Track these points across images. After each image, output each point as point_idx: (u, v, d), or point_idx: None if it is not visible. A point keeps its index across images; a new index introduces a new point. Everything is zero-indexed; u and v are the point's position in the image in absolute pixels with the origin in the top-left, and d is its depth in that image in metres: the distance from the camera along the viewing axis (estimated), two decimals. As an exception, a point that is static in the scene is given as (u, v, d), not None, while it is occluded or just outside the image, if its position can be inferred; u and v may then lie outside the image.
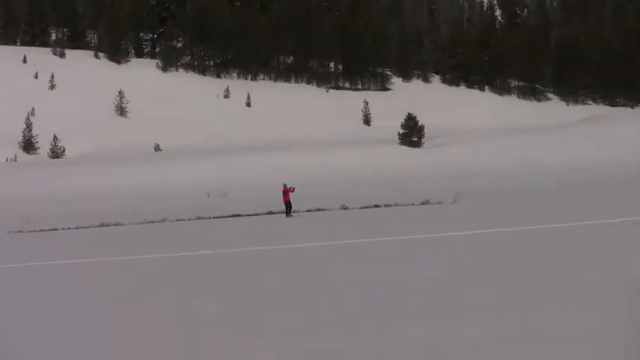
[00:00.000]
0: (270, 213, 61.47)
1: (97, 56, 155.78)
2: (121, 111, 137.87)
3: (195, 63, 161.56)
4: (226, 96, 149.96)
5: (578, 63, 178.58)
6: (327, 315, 19.50)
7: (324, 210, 61.10)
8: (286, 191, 58.51)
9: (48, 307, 24.08)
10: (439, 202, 60.21)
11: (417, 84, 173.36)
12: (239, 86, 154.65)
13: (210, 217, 59.82)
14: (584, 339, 15.25)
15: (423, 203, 61.48)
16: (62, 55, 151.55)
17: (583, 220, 38.28)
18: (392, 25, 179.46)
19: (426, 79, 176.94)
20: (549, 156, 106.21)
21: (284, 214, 58.08)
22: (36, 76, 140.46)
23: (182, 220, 59.80)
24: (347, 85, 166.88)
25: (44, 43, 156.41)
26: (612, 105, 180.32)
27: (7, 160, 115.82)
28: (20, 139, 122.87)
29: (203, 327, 19.33)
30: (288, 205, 58.17)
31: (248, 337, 17.72)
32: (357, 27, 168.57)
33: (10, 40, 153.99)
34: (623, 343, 15.64)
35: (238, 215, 61.01)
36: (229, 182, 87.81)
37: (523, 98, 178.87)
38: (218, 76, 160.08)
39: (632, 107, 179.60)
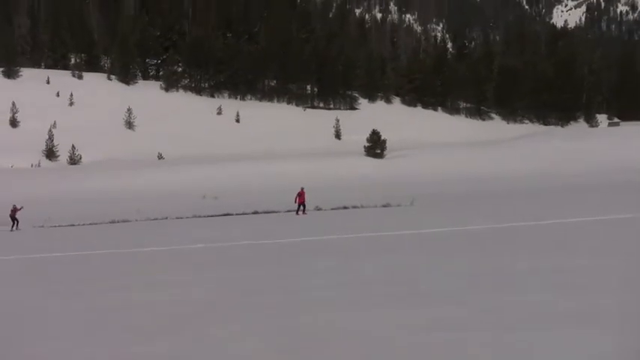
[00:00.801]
0: (256, 213, 62.12)
1: (109, 78, 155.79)
2: (129, 125, 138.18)
3: (193, 85, 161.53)
4: (219, 113, 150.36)
5: (516, 88, 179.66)
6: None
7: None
8: (302, 193, 58.97)
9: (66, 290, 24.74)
10: (398, 205, 61.05)
11: (380, 104, 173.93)
12: (230, 105, 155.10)
13: (205, 216, 60.52)
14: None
15: (384, 205, 62.30)
16: (80, 77, 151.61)
17: (506, 223, 39.36)
18: (360, 55, 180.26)
19: (388, 101, 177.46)
20: (489, 167, 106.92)
21: (273, 214, 59.04)
22: (57, 95, 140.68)
23: (181, 218, 60.44)
24: (321, 104, 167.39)
25: (65, 67, 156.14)
26: (545, 124, 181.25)
27: (31, 166, 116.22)
28: (43, 147, 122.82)
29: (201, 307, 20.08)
30: (302, 205, 59.11)
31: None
32: (331, 56, 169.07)
33: (35, 64, 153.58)
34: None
35: (229, 214, 61.69)
36: (221, 186, 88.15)
37: (470, 117, 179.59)
38: (212, 96, 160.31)
39: (562, 126, 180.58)
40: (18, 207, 57.96)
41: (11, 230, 56.05)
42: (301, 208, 58.45)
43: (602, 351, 12.26)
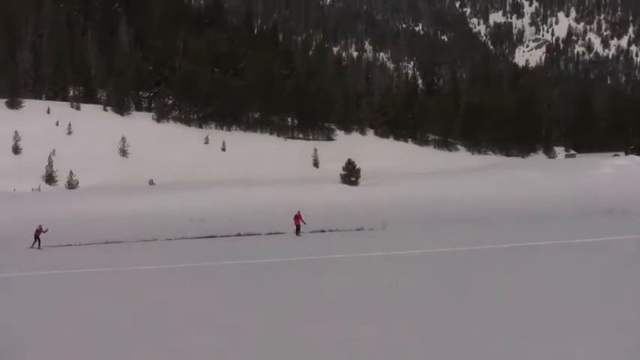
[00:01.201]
0: (239, 235, 62.65)
1: (105, 109, 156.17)
2: (123, 152, 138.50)
3: (182, 116, 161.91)
4: (206, 142, 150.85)
5: (481, 122, 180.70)
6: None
7: (282, 233, 62.33)
8: (298, 216, 60.66)
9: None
10: (371, 229, 61.73)
11: (355, 136, 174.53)
12: (216, 135, 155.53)
13: (191, 238, 61.00)
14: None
15: (358, 229, 63.00)
16: (78, 108, 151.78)
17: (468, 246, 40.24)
18: (337, 90, 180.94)
19: (362, 132, 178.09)
20: (455, 193, 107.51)
21: (255, 236, 59.83)
22: (57, 124, 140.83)
23: (169, 239, 60.88)
24: (300, 135, 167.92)
25: (64, 98, 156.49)
26: (507, 155, 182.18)
27: (32, 190, 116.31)
28: (43, 173, 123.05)
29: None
30: (298, 227, 60.46)
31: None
32: (310, 91, 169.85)
33: (37, 96, 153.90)
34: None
35: (213, 236, 62.23)
36: (207, 210, 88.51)
37: (438, 149, 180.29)
38: (200, 126, 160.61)
39: (522, 157, 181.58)
40: (43, 229, 58.15)
41: (31, 247, 56.55)
42: (298, 229, 60.51)
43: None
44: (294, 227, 60.43)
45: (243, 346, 18.49)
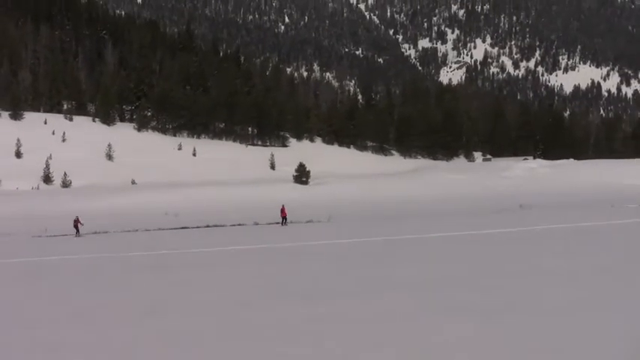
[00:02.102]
0: (207, 226, 63.23)
1: (94, 120, 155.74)
2: (109, 157, 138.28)
3: (159, 126, 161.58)
4: (179, 148, 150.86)
5: (411, 131, 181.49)
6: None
7: (243, 225, 62.94)
8: (283, 209, 61.96)
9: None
10: (319, 221, 62.44)
11: (306, 143, 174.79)
12: (188, 142, 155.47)
13: (167, 229, 61.61)
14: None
15: (308, 222, 63.69)
16: (71, 119, 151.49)
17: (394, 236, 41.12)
18: (290, 104, 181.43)
19: (312, 140, 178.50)
20: (389, 192, 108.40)
21: (221, 227, 60.55)
22: (53, 133, 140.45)
23: (148, 230, 61.48)
24: (259, 142, 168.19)
25: (59, 111, 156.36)
26: (434, 159, 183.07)
27: (32, 189, 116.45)
28: (42, 174, 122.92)
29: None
30: (284, 218, 61.29)
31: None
32: (267, 104, 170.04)
33: (36, 109, 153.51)
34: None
35: (185, 227, 62.90)
36: (180, 206, 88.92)
37: (375, 154, 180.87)
38: (174, 135, 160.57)
39: (447, 161, 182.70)
40: (81, 220, 60.07)
41: (76, 236, 57.86)
42: (284, 220, 61.35)
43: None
44: (281, 218, 61.46)
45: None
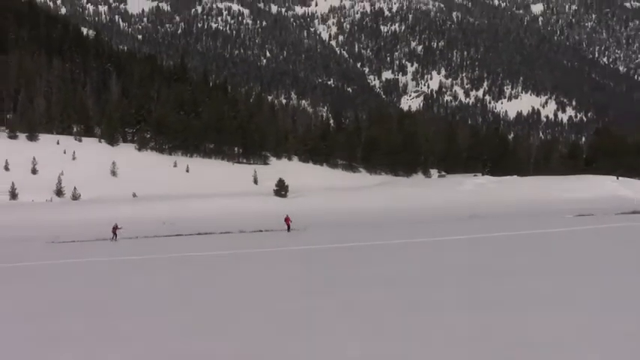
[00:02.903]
0: (199, 234, 63.53)
1: (100, 141, 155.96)
2: (114, 173, 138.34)
3: (157, 146, 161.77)
4: (175, 166, 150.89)
5: (376, 151, 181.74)
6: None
7: (229, 233, 63.25)
8: (287, 219, 62.41)
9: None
10: (297, 230, 62.71)
11: (284, 161, 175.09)
12: (182, 160, 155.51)
13: (163, 236, 61.96)
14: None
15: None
16: (80, 140, 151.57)
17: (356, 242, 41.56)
18: (270, 127, 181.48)
19: (289, 159, 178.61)
20: (357, 204, 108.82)
21: (211, 234, 60.86)
22: (64, 152, 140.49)
23: (147, 237, 61.87)
24: (244, 161, 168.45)
25: (69, 133, 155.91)
26: (396, 175, 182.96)
27: (45, 201, 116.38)
28: (54, 188, 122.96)
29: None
30: (289, 226, 61.66)
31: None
32: (251, 128, 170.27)
33: (49, 131, 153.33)
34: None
35: (180, 235, 63.28)
36: (176, 216, 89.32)
37: (345, 171, 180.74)
38: (170, 154, 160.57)
39: (407, 177, 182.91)
40: (119, 226, 62.01)
41: (113, 240, 59.86)
42: (289, 228, 61.76)
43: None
44: (286, 226, 61.88)
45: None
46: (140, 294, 22.57)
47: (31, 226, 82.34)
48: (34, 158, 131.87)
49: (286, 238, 51.68)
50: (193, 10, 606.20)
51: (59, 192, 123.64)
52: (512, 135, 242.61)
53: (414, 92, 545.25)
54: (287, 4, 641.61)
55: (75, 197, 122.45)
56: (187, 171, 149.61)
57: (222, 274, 27.78)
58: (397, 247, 37.17)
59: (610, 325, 13.50)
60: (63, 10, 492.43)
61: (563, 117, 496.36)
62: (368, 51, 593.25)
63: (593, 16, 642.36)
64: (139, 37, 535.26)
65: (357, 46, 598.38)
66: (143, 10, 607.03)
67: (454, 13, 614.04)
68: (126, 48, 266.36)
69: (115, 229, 61.24)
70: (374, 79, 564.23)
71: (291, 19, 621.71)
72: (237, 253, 38.93)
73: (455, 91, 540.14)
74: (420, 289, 19.41)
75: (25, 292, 24.83)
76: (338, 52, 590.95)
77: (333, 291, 20.10)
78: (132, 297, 21.98)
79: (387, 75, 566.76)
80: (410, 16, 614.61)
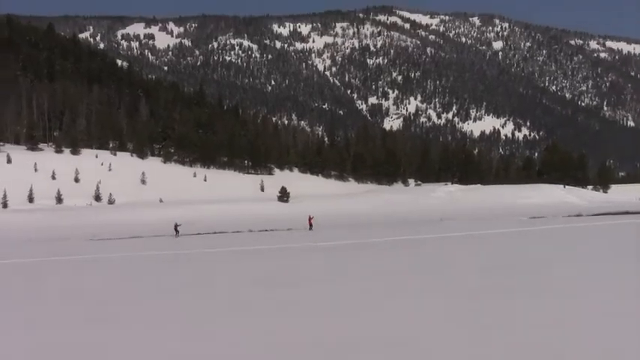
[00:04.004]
0: (214, 233, 63.42)
1: (131, 155, 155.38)
2: (143, 182, 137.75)
3: (180, 159, 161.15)
4: (194, 176, 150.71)
5: (363, 163, 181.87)
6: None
7: (240, 232, 63.09)
8: (310, 218, 62.21)
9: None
10: (297, 229, 62.69)
11: (286, 172, 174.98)
12: (200, 171, 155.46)
13: (185, 235, 61.84)
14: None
15: (288, 229, 63.94)
16: (115, 154, 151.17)
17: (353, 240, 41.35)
18: (274, 143, 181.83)
19: (291, 170, 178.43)
20: (346, 208, 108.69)
21: (224, 233, 60.71)
22: (102, 164, 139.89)
23: (170, 235, 61.62)
24: (252, 171, 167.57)
25: (106, 148, 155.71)
26: (379, 184, 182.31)
27: (86, 205, 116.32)
28: (93, 194, 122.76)
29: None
30: (311, 225, 61.10)
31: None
32: (258, 144, 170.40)
33: (89, 147, 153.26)
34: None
35: (199, 234, 63.12)
36: (195, 217, 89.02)
37: (337, 180, 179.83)
38: (190, 166, 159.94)
39: (389, 185, 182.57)
40: (178, 223, 62.38)
41: (175, 237, 58.83)
42: (311, 227, 61.07)
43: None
44: (309, 225, 61.82)
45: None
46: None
47: (73, 226, 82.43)
48: (76, 169, 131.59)
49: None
50: (210, 45, 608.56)
51: (97, 197, 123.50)
52: (476, 150, 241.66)
53: (395, 115, 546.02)
54: (289, 41, 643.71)
55: (110, 202, 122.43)
56: (205, 180, 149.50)
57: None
58: (392, 244, 37.18)
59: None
60: (101, 45, 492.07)
61: (519, 135, 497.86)
62: (356, 80, 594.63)
63: (544, 51, 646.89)
64: (165, 68, 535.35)
65: (347, 76, 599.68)
66: (168, 46, 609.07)
67: (428, 49, 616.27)
68: (153, 77, 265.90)
69: (176, 226, 61.76)
70: (361, 104, 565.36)
71: (292, 53, 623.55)
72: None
73: (429, 113, 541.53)
74: (408, 278, 19.46)
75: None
76: (331, 80, 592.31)
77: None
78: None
79: (373, 100, 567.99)
80: (391, 51, 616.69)
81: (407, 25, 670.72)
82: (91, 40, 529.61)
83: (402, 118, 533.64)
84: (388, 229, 57.13)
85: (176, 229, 61.32)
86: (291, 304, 16.02)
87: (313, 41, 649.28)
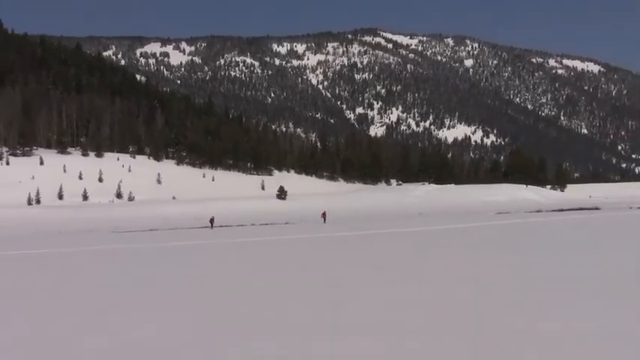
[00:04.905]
0: (221, 226, 63.57)
1: (149, 158, 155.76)
2: (159, 182, 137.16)
3: (191, 162, 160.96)
4: (204, 176, 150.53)
5: (351, 166, 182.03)
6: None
7: (245, 225, 63.28)
8: (324, 213, 63.14)
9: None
10: (293, 223, 62.93)
11: (284, 173, 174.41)
12: (209, 172, 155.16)
13: (196, 227, 61.95)
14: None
15: (286, 223, 64.28)
16: (134, 157, 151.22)
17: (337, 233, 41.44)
18: (273, 148, 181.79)
19: (288, 171, 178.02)
20: (337, 205, 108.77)
21: (229, 227, 60.96)
22: (122, 166, 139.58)
23: (183, 228, 61.76)
24: (254, 172, 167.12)
25: (126, 152, 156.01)
26: (365, 184, 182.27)
27: (108, 202, 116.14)
28: (115, 192, 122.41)
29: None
30: (325, 218, 61.97)
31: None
32: (259, 149, 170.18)
33: (111, 150, 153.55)
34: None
35: (206, 227, 63.27)
36: (204, 213, 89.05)
37: (328, 180, 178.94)
38: (200, 168, 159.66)
39: (374, 185, 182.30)
40: (214, 217, 63.26)
41: (211, 229, 59.14)
42: (324, 220, 61.78)
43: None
44: (323, 218, 62.20)
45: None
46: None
47: (98, 220, 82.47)
48: (100, 170, 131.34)
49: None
50: (218, 62, 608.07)
51: (118, 195, 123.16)
52: (450, 154, 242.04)
53: (379, 123, 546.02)
54: (286, 59, 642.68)
55: (130, 199, 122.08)
56: (213, 180, 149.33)
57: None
58: (385, 235, 37.31)
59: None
60: (122, 62, 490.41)
61: (487, 141, 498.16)
62: (345, 93, 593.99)
63: (509, 68, 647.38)
64: (178, 82, 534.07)
65: (337, 89, 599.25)
66: (181, 62, 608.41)
67: (408, 66, 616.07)
68: (168, 90, 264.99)
69: (212, 220, 62.08)
70: (350, 113, 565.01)
71: (289, 69, 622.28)
72: (243, 241, 38.71)
73: (409, 122, 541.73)
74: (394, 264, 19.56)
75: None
76: (323, 93, 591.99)
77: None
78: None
79: (360, 110, 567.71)
80: (376, 67, 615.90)
81: (389, 45, 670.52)
82: (114, 57, 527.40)
83: (385, 126, 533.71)
84: (379, 222, 57.46)
85: (212, 223, 61.73)
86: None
87: (308, 59, 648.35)
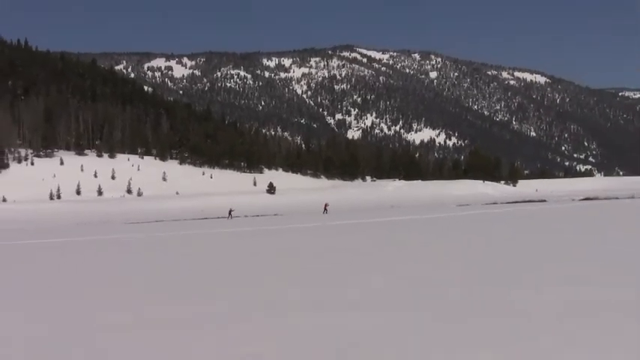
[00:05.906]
0: (218, 218, 63.36)
1: (155, 158, 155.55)
2: (164, 179, 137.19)
3: (192, 162, 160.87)
4: (203, 174, 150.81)
5: (332, 164, 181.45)
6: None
7: (238, 217, 63.09)
8: (326, 204, 61.19)
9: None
10: (282, 215, 62.79)
11: (273, 171, 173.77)
12: (208, 171, 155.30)
13: (199, 219, 61.70)
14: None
15: (275, 214, 64.10)
16: (142, 158, 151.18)
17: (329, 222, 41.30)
18: (264, 150, 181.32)
19: (277, 169, 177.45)
20: (319, 198, 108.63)
21: (237, 217, 61.01)
22: (132, 166, 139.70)
23: (187, 220, 61.49)
24: (247, 171, 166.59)
25: (136, 153, 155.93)
26: (344, 180, 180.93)
27: (120, 197, 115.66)
28: (126, 188, 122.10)
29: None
30: (326, 209, 59.95)
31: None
32: (252, 150, 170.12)
33: (123, 152, 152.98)
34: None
35: (207, 218, 63.04)
36: (204, 206, 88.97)
37: (312, 177, 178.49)
38: (200, 167, 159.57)
39: (351, 181, 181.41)
40: (233, 209, 62.55)
41: (229, 219, 58.14)
42: (326, 211, 59.57)
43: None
44: (324, 210, 61.12)
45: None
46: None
47: (111, 212, 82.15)
48: (113, 169, 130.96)
49: (274, 220, 51.20)
50: (215, 74, 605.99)
51: (129, 191, 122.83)
52: (417, 154, 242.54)
53: (356, 127, 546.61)
54: (275, 71, 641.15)
55: (139, 194, 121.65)
56: (211, 178, 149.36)
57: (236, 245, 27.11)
58: (382, 223, 37.21)
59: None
60: (132, 75, 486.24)
61: (450, 143, 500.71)
62: (326, 101, 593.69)
63: (468, 79, 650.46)
64: (180, 92, 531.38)
65: (319, 98, 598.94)
66: (183, 75, 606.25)
67: (381, 78, 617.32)
68: (172, 99, 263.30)
69: (230, 211, 61.80)
70: (330, 119, 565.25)
71: (278, 81, 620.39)
72: (237, 231, 38.31)
73: (382, 126, 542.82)
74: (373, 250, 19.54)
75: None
76: (307, 101, 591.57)
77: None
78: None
79: (339, 116, 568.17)
80: (353, 79, 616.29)
81: (364, 60, 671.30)
82: (124, 71, 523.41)
83: (361, 130, 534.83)
84: (360, 213, 57.38)
85: (230, 214, 61.44)
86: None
87: (293, 71, 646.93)
